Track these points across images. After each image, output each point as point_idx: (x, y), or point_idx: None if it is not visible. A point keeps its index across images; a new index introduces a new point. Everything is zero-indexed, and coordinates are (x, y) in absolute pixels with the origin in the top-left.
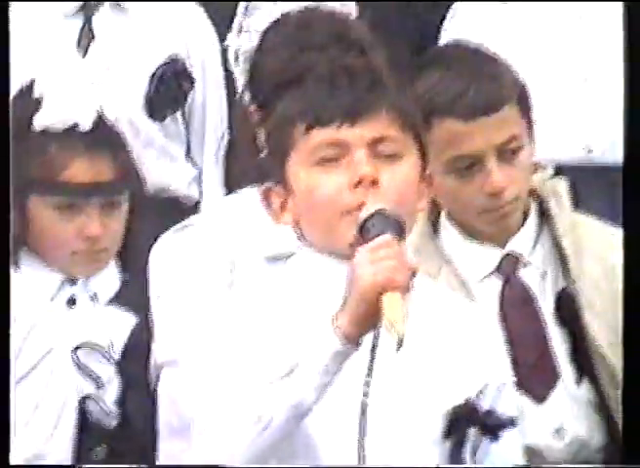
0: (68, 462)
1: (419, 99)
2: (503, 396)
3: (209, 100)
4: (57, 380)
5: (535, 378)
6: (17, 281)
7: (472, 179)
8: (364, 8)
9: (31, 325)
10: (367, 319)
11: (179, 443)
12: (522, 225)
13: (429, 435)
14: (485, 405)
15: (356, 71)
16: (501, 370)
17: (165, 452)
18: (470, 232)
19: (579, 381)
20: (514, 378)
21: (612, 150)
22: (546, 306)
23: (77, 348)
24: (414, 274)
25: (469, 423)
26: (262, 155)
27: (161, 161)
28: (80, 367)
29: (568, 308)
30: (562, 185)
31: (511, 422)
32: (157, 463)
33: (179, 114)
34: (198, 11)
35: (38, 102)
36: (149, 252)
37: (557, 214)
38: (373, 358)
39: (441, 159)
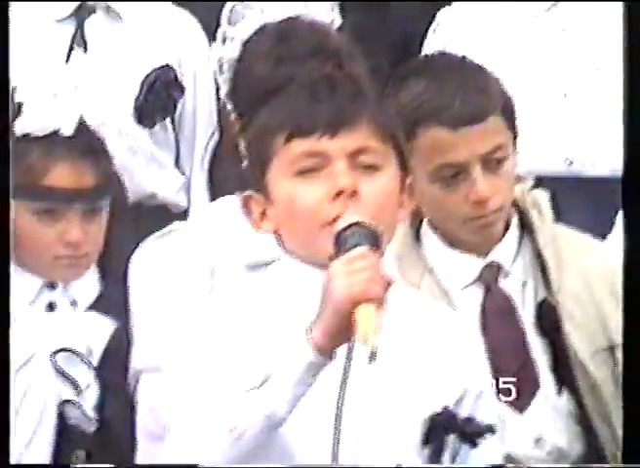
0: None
1: (404, 108)
2: (482, 404)
3: (199, 110)
4: (36, 385)
5: (516, 387)
6: None
7: (457, 188)
8: (346, 17)
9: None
10: (341, 331)
11: (157, 449)
12: (504, 236)
13: (408, 442)
14: (464, 412)
15: (337, 82)
16: (481, 378)
17: (143, 458)
18: (453, 241)
19: (559, 392)
20: (495, 387)
21: (592, 162)
22: (527, 316)
23: (56, 353)
24: (389, 286)
25: (448, 430)
26: (244, 164)
27: (150, 168)
28: (59, 371)
29: (548, 319)
30: (543, 197)
31: (490, 429)
32: None
33: (168, 122)
34: (191, 20)
35: (19, 108)
36: (130, 258)
37: (539, 225)
38: (347, 370)
39: (426, 168)
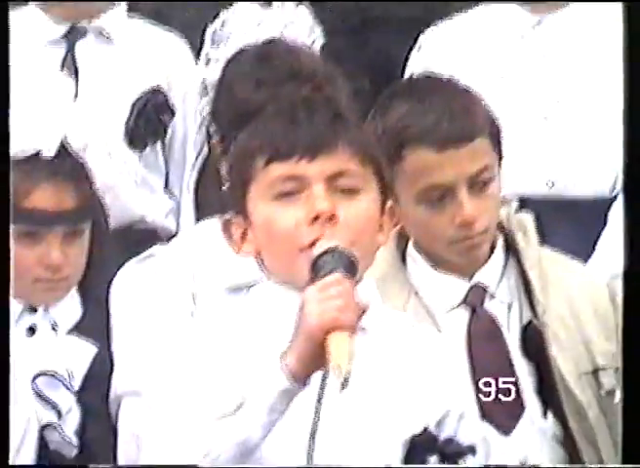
0: None
1: (390, 130)
2: (463, 425)
3: (189, 133)
4: (17, 410)
5: (501, 410)
6: None
7: (443, 210)
8: (328, 39)
9: None
10: (314, 358)
11: None
12: (489, 258)
13: (389, 462)
14: (446, 433)
15: (316, 105)
16: (462, 399)
17: None
18: (438, 263)
19: (544, 414)
20: (480, 410)
21: (573, 184)
22: (512, 339)
23: (37, 376)
24: (363, 313)
25: (428, 451)
26: (225, 187)
27: (140, 191)
28: (40, 395)
29: (534, 341)
30: (529, 219)
31: (471, 450)
32: None
33: (158, 146)
34: (180, 43)
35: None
36: (111, 281)
37: (524, 247)
38: (320, 398)
39: (412, 190)
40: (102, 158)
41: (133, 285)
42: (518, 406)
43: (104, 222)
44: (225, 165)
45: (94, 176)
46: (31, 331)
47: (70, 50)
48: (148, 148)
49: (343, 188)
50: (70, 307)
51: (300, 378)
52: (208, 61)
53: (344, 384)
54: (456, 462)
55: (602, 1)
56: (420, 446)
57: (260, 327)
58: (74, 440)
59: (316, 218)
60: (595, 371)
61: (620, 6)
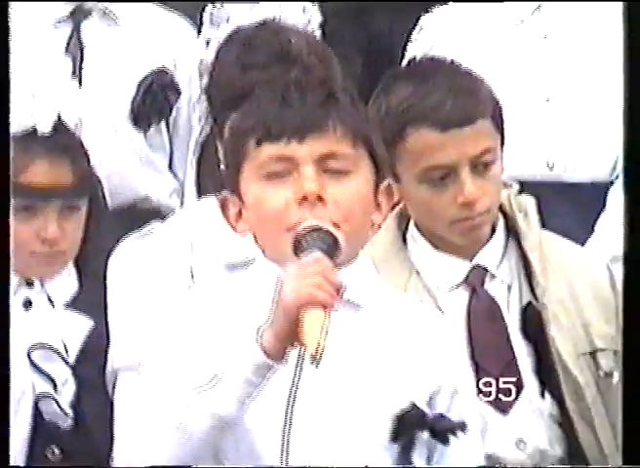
0: (22, 463)
1: (393, 110)
2: (457, 402)
3: (194, 113)
4: (12, 383)
5: (499, 389)
6: None
7: (445, 190)
8: (324, 21)
9: None
10: (289, 334)
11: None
12: (490, 239)
13: (377, 437)
14: (438, 409)
15: (307, 87)
16: (456, 376)
17: (120, 457)
18: (439, 243)
19: (542, 394)
20: (478, 388)
21: (573, 167)
22: (511, 319)
23: (33, 349)
24: (340, 292)
25: (417, 427)
26: (221, 166)
27: (144, 170)
28: (36, 367)
29: (533, 322)
30: (530, 202)
31: (461, 427)
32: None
33: (163, 126)
34: (187, 24)
35: None
36: (108, 257)
37: (525, 230)
38: (297, 375)
39: (415, 169)
40: (108, 137)
41: (131, 260)
42: (516, 385)
43: (101, 198)
44: (220, 145)
45: (90, 153)
46: (28, 304)
47: (76, 29)
48: (153, 128)
49: (334, 169)
50: (66, 282)
51: (275, 353)
52: (208, 42)
53: (316, 361)
54: (446, 439)
55: (602, 0)
56: (409, 421)
57: (251, 304)
58: (69, 411)
59: (304, 199)
60: (594, 353)
61: None
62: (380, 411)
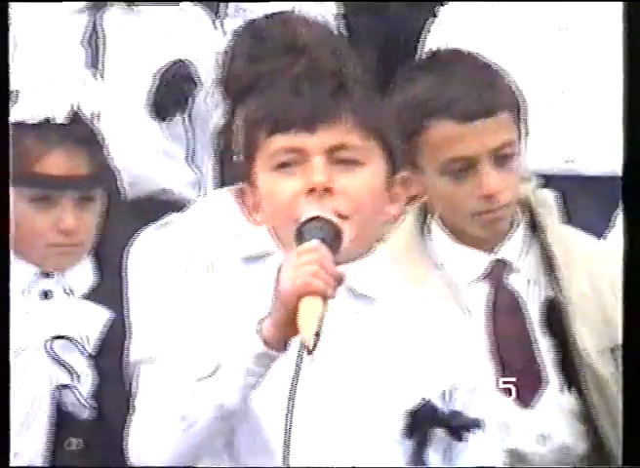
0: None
1: (413, 102)
2: (475, 399)
3: (213, 106)
4: (31, 374)
5: (521, 384)
6: None
7: (466, 182)
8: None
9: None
10: (288, 323)
11: None
12: (510, 233)
13: (391, 433)
14: (454, 406)
15: (318, 78)
16: (474, 372)
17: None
18: (460, 236)
19: (564, 389)
20: (501, 384)
21: (591, 161)
22: (533, 314)
23: (52, 340)
24: (338, 281)
25: (431, 423)
26: (236, 158)
27: (162, 162)
28: (55, 359)
29: (554, 317)
30: (551, 196)
31: (476, 424)
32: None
33: (182, 117)
34: (206, 16)
35: (16, 95)
36: (126, 248)
37: (546, 224)
38: (298, 365)
39: (436, 161)
40: (127, 128)
41: (150, 251)
42: (538, 380)
43: (117, 190)
44: (234, 136)
45: (108, 144)
46: (45, 295)
47: (96, 20)
48: (172, 119)
49: (344, 160)
50: (85, 273)
51: (275, 343)
52: (226, 33)
53: (308, 350)
54: (460, 436)
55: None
56: (423, 417)
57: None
58: (89, 402)
59: (312, 191)
60: (616, 348)
61: None
62: (393, 407)
